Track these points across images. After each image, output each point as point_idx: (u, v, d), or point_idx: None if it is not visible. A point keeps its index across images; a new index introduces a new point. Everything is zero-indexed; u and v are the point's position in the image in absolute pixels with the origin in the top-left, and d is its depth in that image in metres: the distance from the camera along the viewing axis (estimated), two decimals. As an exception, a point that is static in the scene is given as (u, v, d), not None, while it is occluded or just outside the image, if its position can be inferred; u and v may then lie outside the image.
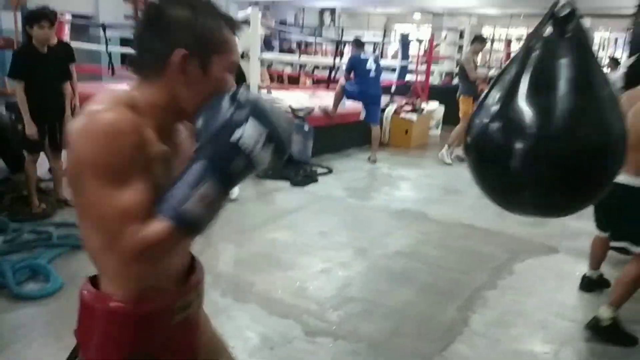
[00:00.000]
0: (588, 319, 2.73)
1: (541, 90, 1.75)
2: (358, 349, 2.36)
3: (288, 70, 11.08)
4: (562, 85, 1.74)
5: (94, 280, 1.02)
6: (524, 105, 1.77)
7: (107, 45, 7.34)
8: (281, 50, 11.24)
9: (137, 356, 1.00)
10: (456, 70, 10.88)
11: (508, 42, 15.14)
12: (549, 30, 1.77)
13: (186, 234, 0.89)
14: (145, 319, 1.00)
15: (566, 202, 1.86)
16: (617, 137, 1.78)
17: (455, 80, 10.84)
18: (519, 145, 1.74)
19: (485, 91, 1.97)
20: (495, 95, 1.86)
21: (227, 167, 0.87)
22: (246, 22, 5.66)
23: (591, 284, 3.11)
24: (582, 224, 4.09)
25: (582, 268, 3.46)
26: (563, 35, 1.75)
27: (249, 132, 0.86)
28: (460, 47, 10.78)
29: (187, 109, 0.97)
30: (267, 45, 10.89)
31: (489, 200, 1.99)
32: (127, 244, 0.84)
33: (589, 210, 4.61)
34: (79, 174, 0.88)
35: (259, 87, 5.96)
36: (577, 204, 1.89)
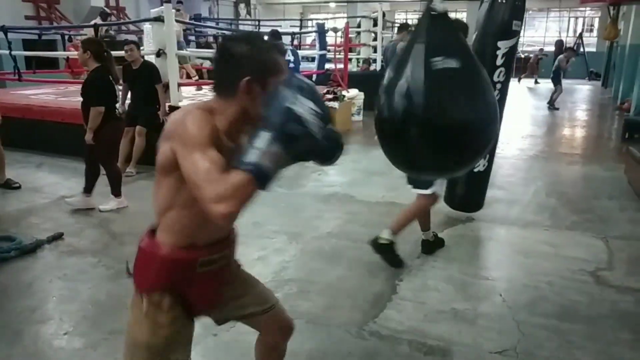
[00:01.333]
0: (501, 277, 3.06)
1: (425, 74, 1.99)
2: (297, 325, 2.47)
3: (207, 64, 10.95)
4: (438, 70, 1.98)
5: (152, 232, 1.39)
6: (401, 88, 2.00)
7: (10, 49, 6.92)
8: (198, 45, 11.07)
9: (167, 287, 1.35)
10: (374, 56, 11.26)
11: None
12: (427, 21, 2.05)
13: (260, 184, 1.09)
14: (175, 264, 1.35)
15: (458, 161, 2.12)
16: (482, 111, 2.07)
17: (373, 67, 11.21)
18: (408, 119, 1.99)
19: (385, 75, 2.19)
20: (390, 77, 2.09)
21: (287, 130, 1.08)
22: (159, 19, 5.59)
23: (429, 245, 3.39)
24: (493, 193, 4.49)
25: (496, 232, 3.83)
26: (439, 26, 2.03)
27: (302, 104, 1.09)
28: (376, 34, 11.15)
29: (254, 117, 1.21)
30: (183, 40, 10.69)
31: (398, 169, 2.26)
32: (210, 193, 1.08)
33: (501, 180, 5.05)
34: (173, 150, 1.19)
35: (179, 85, 5.91)
36: (466, 163, 2.15)
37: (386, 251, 3.11)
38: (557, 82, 10.86)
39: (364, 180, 5.18)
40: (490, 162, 3.89)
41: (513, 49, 3.52)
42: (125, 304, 2.73)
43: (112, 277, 3.06)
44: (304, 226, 3.88)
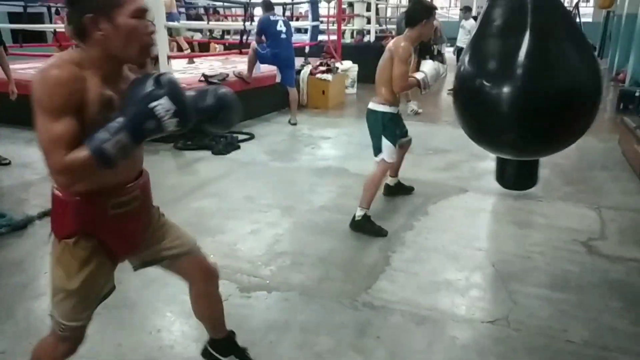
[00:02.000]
0: (493, 248, 3.07)
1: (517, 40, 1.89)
2: (290, 297, 2.52)
3: (198, 37, 10.76)
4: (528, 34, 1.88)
5: None
6: (504, 53, 1.90)
7: (-5, 21, 6.76)
8: (188, 17, 10.85)
9: (79, 232, 1.38)
10: (368, 27, 11.09)
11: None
12: None
13: (100, 165, 1.20)
14: (82, 208, 1.37)
15: (545, 143, 2.04)
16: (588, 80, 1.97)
17: (367, 38, 11.06)
18: (504, 89, 1.89)
19: (468, 44, 2.10)
20: (478, 45, 1.98)
21: (141, 126, 1.21)
22: (148, -11, 5.45)
23: (391, 190, 3.87)
24: (487, 164, 4.47)
25: (490, 203, 3.83)
26: None
27: (162, 105, 1.20)
28: (369, 5, 10.95)
29: (123, 56, 1.29)
30: (173, 13, 10.47)
31: (473, 141, 2.17)
32: (53, 163, 1.19)
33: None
34: (34, 111, 1.21)
35: (169, 57, 5.80)
36: (554, 146, 2.07)
37: (364, 225, 3.22)
38: None
39: (357, 154, 5.15)
40: None
41: None
42: (117, 279, 2.72)
43: (104, 252, 3.04)
44: (297, 200, 3.87)
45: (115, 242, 1.46)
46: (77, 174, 1.21)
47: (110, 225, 1.42)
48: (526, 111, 1.96)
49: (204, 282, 1.73)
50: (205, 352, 1.94)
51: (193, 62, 7.87)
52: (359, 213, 3.24)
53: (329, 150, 5.41)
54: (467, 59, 2.12)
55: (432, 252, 3.01)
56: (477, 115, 2.14)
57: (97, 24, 1.23)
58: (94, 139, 1.18)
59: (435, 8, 3.54)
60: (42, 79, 1.20)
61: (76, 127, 1.20)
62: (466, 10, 9.73)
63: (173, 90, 1.22)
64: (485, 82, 2.01)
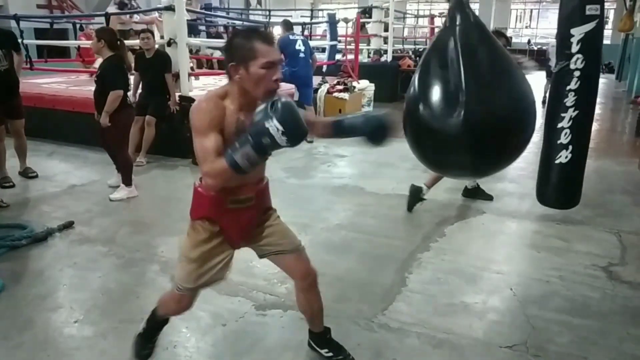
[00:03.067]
0: (512, 271, 3.03)
1: (467, 69, 1.98)
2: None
3: (217, 54, 10.92)
4: (477, 65, 1.97)
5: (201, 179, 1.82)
6: (454, 83, 1.99)
7: (22, 37, 6.94)
8: (208, 35, 11.03)
9: (207, 217, 1.84)
10: (384, 47, 11.16)
11: (432, 18, 15.61)
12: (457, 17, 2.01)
13: (236, 172, 1.58)
14: (211, 200, 1.81)
15: (495, 161, 2.11)
16: (528, 105, 2.04)
17: (384, 58, 11.13)
18: (453, 115, 1.97)
19: (417, 71, 2.18)
20: (427, 74, 2.08)
21: (260, 141, 1.54)
22: (170, 8, 5.57)
23: (469, 192, 4.21)
24: (504, 186, 4.45)
25: (508, 225, 3.79)
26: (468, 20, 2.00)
27: (273, 125, 1.52)
28: (387, 25, 11.04)
29: (252, 94, 1.69)
30: (194, 30, 10.65)
31: (427, 167, 2.28)
32: (204, 169, 1.64)
33: (512, 174, 4.99)
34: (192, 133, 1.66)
35: (189, 74, 5.90)
36: (504, 162, 2.14)
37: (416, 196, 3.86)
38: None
39: (373, 172, 5.15)
40: (577, 152, 3.54)
41: (591, 34, 3.32)
42: (135, 293, 2.76)
43: (122, 266, 3.08)
44: (313, 217, 3.87)
45: (232, 230, 1.87)
46: (220, 177, 1.63)
47: (228, 216, 1.84)
48: (470, 136, 2.05)
49: (302, 280, 2.03)
50: (308, 342, 2.22)
51: (198, 79, 7.95)
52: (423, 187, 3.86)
53: (345, 169, 5.42)
54: (412, 96, 2.21)
55: (449, 274, 2.98)
56: (429, 144, 2.25)
57: (237, 70, 1.66)
58: (228, 152, 1.58)
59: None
60: (196, 108, 1.67)
61: (220, 143, 1.62)
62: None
63: (283, 113, 1.52)
64: (430, 117, 2.13)
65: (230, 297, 2.68)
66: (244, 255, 3.16)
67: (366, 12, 11.89)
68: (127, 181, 4.28)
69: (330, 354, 2.16)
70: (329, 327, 2.18)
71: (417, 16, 17.32)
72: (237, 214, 1.85)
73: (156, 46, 5.37)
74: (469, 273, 2.99)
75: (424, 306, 2.61)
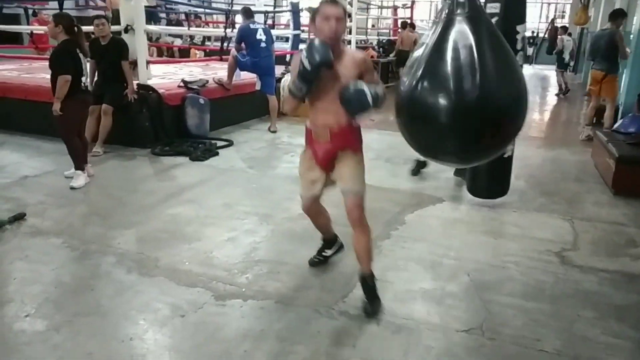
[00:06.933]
0: (469, 258, 3.10)
1: (457, 56, 1.98)
2: (266, 306, 2.50)
3: (178, 42, 10.70)
4: (475, 51, 1.97)
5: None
6: (445, 70, 1.98)
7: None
8: (169, 23, 10.79)
9: (307, 144, 2.51)
10: (348, 37, 11.15)
11: (395, 9, 15.70)
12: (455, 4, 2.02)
13: (292, 96, 2.32)
14: (307, 133, 2.49)
15: (484, 149, 2.14)
16: (521, 94, 2.07)
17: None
18: (444, 103, 1.97)
19: (410, 59, 2.18)
20: (420, 62, 2.07)
21: (299, 69, 2.20)
22: (129, -7, 5.40)
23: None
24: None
25: (466, 213, 3.87)
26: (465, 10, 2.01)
27: (303, 55, 2.17)
28: (350, 15, 11.02)
29: (326, 40, 2.21)
30: (154, 17, 10.39)
31: (419, 154, 2.31)
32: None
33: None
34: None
35: (147, 62, 5.75)
36: (492, 151, 2.16)
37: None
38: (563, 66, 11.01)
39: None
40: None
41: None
42: (89, 286, 2.68)
43: (76, 258, 2.98)
44: (275, 207, 3.85)
45: (316, 156, 2.45)
46: (287, 104, 2.40)
47: (314, 145, 2.45)
48: (463, 122, 2.06)
49: (350, 220, 2.46)
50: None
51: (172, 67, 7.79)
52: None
53: (308, 159, 5.40)
54: (406, 80, 2.23)
55: (408, 261, 3.02)
56: (421, 129, 2.27)
57: (314, 23, 2.28)
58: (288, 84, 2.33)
59: None
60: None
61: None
62: None
63: (308, 47, 2.18)
64: (425, 100, 2.13)
65: (189, 288, 2.64)
66: (204, 247, 3.15)
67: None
68: (79, 165, 4.18)
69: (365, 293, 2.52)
70: (372, 273, 2.52)
71: (381, 7, 17.39)
72: (317, 144, 2.42)
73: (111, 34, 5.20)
74: (427, 260, 3.04)
75: (383, 293, 2.63)
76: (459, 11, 2.04)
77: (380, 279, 2.77)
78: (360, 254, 2.49)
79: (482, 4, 2.30)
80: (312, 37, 2.16)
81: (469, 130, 2.08)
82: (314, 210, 2.68)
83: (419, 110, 2.17)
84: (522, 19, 3.52)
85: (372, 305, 2.46)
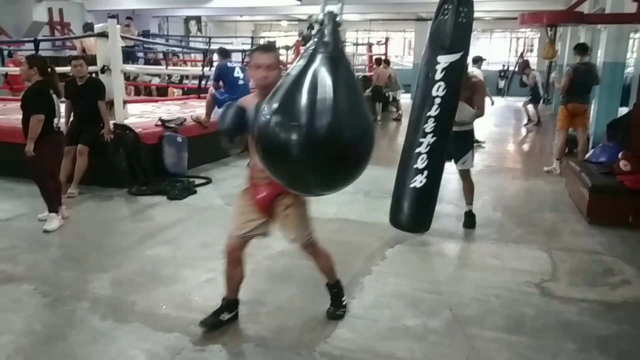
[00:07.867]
0: (450, 292, 3.09)
1: (311, 93, 2.00)
2: (246, 350, 2.44)
3: (156, 81, 10.73)
4: (326, 89, 2.00)
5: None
6: (298, 104, 1.99)
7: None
8: (147, 62, 10.84)
9: (249, 181, 2.51)
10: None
11: (370, 46, 16.06)
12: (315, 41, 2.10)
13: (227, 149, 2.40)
14: (250, 170, 2.48)
15: (342, 179, 2.16)
16: (367, 128, 2.12)
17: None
18: (295, 137, 1.97)
19: (270, 94, 2.17)
20: (276, 97, 2.09)
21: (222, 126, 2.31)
22: (104, 34, 5.44)
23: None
24: (442, 207, 4.56)
25: (446, 246, 3.87)
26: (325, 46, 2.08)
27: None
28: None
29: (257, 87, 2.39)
30: (131, 57, 10.44)
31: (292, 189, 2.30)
32: None
33: (449, 195, 5.12)
34: None
35: (125, 101, 5.74)
36: (350, 178, 2.18)
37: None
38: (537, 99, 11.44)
39: (316, 198, 5.14)
40: (431, 177, 3.57)
41: (455, 64, 3.45)
42: (62, 334, 2.59)
43: (48, 305, 2.88)
44: (255, 246, 3.73)
45: (254, 197, 2.42)
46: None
47: (254, 186, 2.43)
48: (315, 155, 2.04)
49: (305, 255, 2.67)
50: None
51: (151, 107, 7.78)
52: (468, 209, 4.25)
53: (288, 195, 5.39)
54: (264, 112, 2.21)
55: (391, 297, 3.00)
56: (281, 163, 2.19)
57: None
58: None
59: None
60: None
61: None
62: (476, 60, 9.80)
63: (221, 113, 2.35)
64: (278, 135, 2.08)
65: (167, 333, 2.57)
66: (181, 289, 3.08)
67: (306, 39, 12.09)
68: (53, 208, 4.08)
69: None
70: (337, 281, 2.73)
71: (356, 44, 17.80)
72: (258, 188, 2.40)
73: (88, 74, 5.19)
74: (409, 295, 3.02)
75: (366, 331, 2.60)
76: (322, 50, 2.10)
77: (363, 317, 2.75)
78: (324, 273, 2.69)
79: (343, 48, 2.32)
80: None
81: (320, 161, 2.07)
82: (236, 257, 2.58)
83: (273, 142, 2.12)
84: (450, 50, 3.42)
85: (337, 309, 2.73)
